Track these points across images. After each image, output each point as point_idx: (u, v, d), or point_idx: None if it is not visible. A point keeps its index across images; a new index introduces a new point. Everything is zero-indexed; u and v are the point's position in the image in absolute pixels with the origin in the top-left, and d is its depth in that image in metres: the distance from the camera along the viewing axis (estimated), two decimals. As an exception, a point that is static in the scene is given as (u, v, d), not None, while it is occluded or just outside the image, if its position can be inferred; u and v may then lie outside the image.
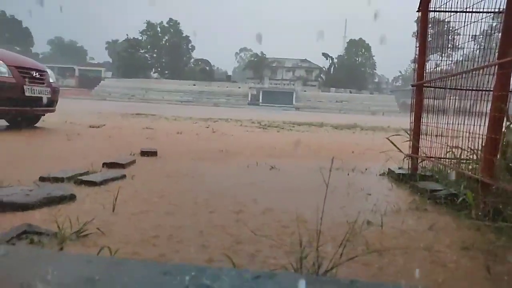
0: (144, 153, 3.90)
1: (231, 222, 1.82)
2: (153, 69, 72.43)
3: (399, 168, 3.37)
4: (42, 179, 2.45)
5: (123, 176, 2.71)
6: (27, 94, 5.87)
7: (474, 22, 2.71)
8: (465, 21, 2.77)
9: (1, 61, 5.60)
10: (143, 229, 1.63)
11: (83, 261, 1.06)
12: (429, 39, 3.22)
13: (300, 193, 2.62)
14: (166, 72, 70.49)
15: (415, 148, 3.17)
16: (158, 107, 26.54)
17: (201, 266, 1.16)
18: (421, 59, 3.12)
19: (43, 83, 6.35)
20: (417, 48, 3.15)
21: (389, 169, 3.42)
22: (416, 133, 3.16)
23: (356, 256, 1.24)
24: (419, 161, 3.17)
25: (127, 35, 70.63)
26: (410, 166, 3.22)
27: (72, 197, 2.00)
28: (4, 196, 1.81)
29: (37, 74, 6.20)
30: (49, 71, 6.75)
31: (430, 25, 3.22)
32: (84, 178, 2.45)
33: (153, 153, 3.92)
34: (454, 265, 1.40)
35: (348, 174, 3.40)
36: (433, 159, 2.92)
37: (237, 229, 1.71)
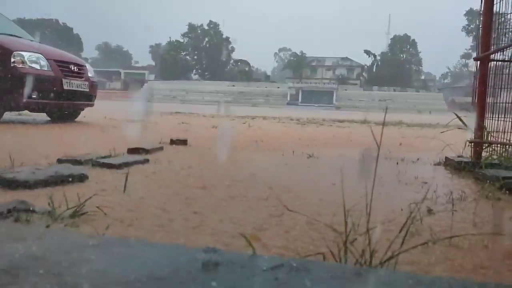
0: (173, 142, 3.70)
1: (254, 207, 1.52)
2: (194, 71, 73.85)
3: (459, 156, 2.91)
4: (60, 161, 2.29)
5: (146, 161, 2.50)
6: (65, 87, 5.92)
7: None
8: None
9: (41, 55, 5.68)
10: (149, 211, 1.37)
11: (60, 238, 0.82)
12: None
13: (342, 181, 2.27)
14: (206, 73, 71.58)
15: (479, 131, 2.71)
16: (197, 107, 26.81)
17: (217, 249, 0.88)
18: (485, 27, 2.65)
19: (82, 77, 6.39)
20: (481, 15, 2.68)
21: (446, 157, 2.97)
22: (480, 114, 2.70)
23: (426, 243, 0.90)
24: (484, 147, 2.71)
25: (170, 37, 72.39)
26: (472, 153, 2.76)
27: (82, 177, 1.80)
28: (7, 173, 1.63)
29: (75, 68, 6.25)
30: (88, 66, 6.81)
31: None
32: (103, 160, 2.26)
33: (182, 142, 3.71)
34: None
35: (397, 163, 2.99)
36: (504, 143, 2.46)
37: (260, 215, 1.41)
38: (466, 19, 60.52)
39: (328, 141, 4.89)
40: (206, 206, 1.49)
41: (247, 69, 70.45)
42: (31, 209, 1.24)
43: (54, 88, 5.76)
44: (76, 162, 2.25)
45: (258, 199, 1.66)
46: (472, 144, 2.80)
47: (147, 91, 58.05)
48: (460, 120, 2.79)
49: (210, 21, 72.02)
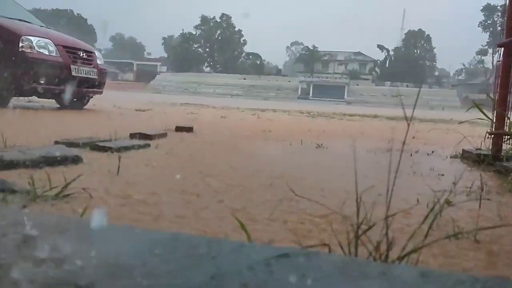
0: (179, 129, 3.60)
1: (254, 195, 1.40)
2: (206, 63, 73.67)
3: (477, 149, 2.75)
4: (56, 143, 2.20)
5: (147, 145, 2.40)
6: (73, 74, 5.86)
7: None
8: None
9: (49, 40, 5.62)
10: (139, 196, 1.26)
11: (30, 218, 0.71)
12: None
13: (352, 171, 2.14)
14: (218, 66, 71.38)
15: (500, 123, 2.53)
16: (208, 99, 26.72)
17: (208, 237, 0.77)
18: (512, 11, 2.47)
19: (91, 64, 6.33)
20: (507, -3, 2.50)
21: (463, 150, 2.81)
22: (502, 104, 2.52)
23: (449, 237, 0.77)
24: (504, 139, 2.53)
25: (182, 29, 72.05)
26: (492, 145, 2.59)
27: (76, 159, 1.70)
28: (-5, 152, 1.54)
29: (84, 54, 6.18)
30: (97, 53, 6.74)
31: None
32: (101, 143, 2.16)
33: (188, 129, 3.61)
34: None
35: (411, 155, 2.83)
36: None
37: (260, 204, 1.29)
38: (483, 14, 58.88)
39: (338, 133, 4.74)
40: (202, 194, 1.37)
41: (258, 62, 70.05)
42: (13, 189, 1.14)
43: (62, 74, 5.70)
44: (73, 144, 2.16)
45: (260, 187, 1.54)
46: (492, 136, 2.63)
47: (159, 83, 58.19)
48: (480, 110, 2.61)
49: (223, 13, 71.62)
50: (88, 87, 6.33)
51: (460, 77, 74.86)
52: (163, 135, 3.04)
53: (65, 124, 3.86)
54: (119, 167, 1.54)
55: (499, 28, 57.57)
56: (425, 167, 2.26)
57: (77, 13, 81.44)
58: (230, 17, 71.99)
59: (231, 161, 2.10)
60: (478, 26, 59.81)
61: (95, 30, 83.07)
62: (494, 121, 2.58)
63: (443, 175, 2.02)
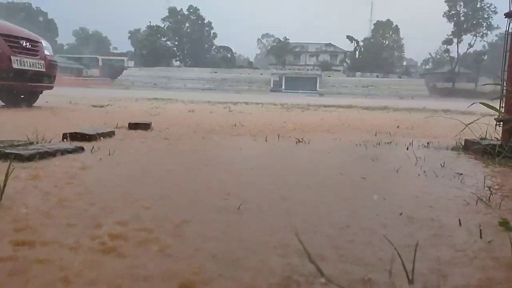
0: (133, 126, 3.03)
1: (205, 232, 0.90)
2: (175, 57, 71.77)
3: (482, 139, 2.35)
4: None
5: (79, 149, 1.83)
6: (15, 66, 5.11)
7: None
8: None
9: (-18, 27, 4.85)
10: (11, 243, 0.73)
11: None
12: None
13: (345, 174, 1.67)
14: (188, 60, 69.72)
15: (512, 107, 2.14)
16: (178, 94, 25.71)
17: None
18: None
19: (37, 55, 5.57)
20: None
21: (466, 140, 2.41)
22: (514, 85, 2.12)
23: None
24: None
25: (149, 22, 69.50)
26: (504, 135, 2.20)
27: None
28: None
29: (28, 44, 5.42)
30: (44, 43, 5.97)
31: None
32: (8, 150, 1.58)
33: (144, 126, 3.04)
34: None
35: (407, 149, 2.41)
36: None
37: (212, 252, 0.79)
38: (447, 5, 60.19)
39: (317, 126, 4.29)
40: (111, 250, 0.83)
41: (229, 55, 69.03)
42: None
43: (0, 66, 4.95)
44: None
45: (206, 206, 1.04)
46: (501, 123, 2.24)
47: (127, 78, 56.32)
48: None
49: (190, 5, 69.88)
50: (35, 81, 5.58)
51: (427, 67, 76.68)
52: (109, 134, 2.46)
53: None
54: (3, 188, 0.99)
55: (462, 18, 59.31)
56: (432, 164, 1.82)
57: (36, 7, 77.53)
58: (198, 9, 70.38)
59: (182, 174, 1.58)
60: (443, 16, 61.15)
61: (57, 24, 79.45)
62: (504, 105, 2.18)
63: (461, 174, 1.58)
